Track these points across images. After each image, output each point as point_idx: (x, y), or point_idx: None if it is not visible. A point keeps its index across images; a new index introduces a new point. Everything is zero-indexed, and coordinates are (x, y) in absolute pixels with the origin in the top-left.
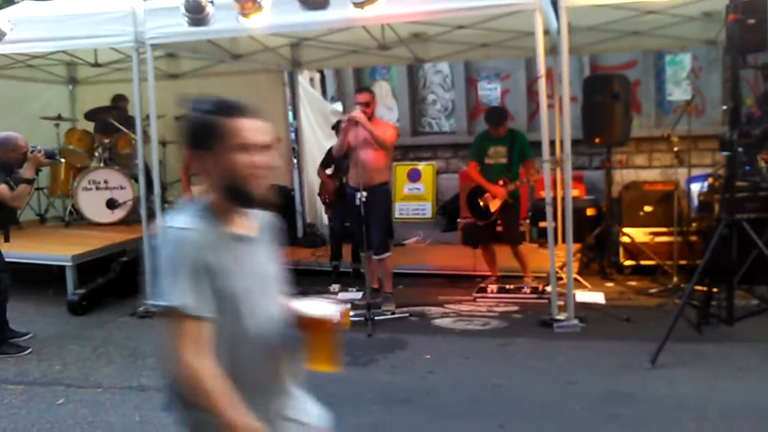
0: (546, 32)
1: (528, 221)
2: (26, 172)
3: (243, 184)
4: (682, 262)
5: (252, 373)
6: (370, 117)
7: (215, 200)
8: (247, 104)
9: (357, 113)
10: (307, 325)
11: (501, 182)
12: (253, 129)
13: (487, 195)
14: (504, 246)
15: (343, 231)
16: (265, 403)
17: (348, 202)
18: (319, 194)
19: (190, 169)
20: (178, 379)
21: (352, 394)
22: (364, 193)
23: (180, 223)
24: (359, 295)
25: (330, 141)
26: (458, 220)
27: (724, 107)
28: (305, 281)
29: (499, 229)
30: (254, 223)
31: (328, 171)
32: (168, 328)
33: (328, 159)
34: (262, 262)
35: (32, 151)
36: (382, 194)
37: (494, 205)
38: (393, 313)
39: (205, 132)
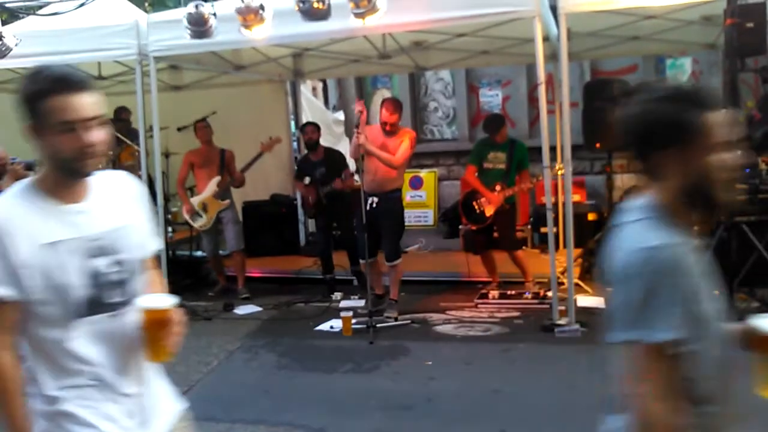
0: (546, 38)
1: (529, 227)
2: (5, 184)
3: (713, 187)
4: None
5: (726, 405)
6: (393, 131)
7: (671, 205)
8: (711, 93)
9: (362, 139)
10: (762, 344)
11: (498, 187)
12: (725, 123)
13: (482, 199)
14: (503, 252)
15: (329, 242)
16: None
17: (362, 208)
18: (302, 206)
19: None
20: (636, 425)
21: (355, 400)
22: (375, 199)
23: (656, 240)
24: (362, 302)
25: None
26: (460, 227)
27: (724, 110)
28: (308, 290)
29: (496, 235)
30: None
31: (306, 181)
32: (633, 364)
33: (301, 171)
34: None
35: (12, 163)
36: (393, 201)
37: (489, 210)
38: (396, 320)
39: (675, 128)
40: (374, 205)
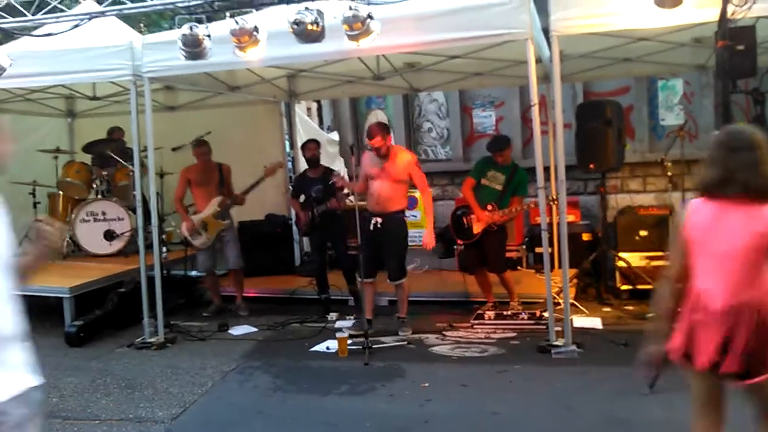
0: (538, 60)
1: (524, 247)
2: None
3: None
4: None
5: None
6: (387, 153)
7: None
8: None
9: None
10: None
11: (489, 207)
12: None
13: (472, 216)
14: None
15: (324, 262)
16: None
17: (364, 227)
18: (296, 224)
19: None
20: None
21: (350, 423)
22: (379, 219)
23: None
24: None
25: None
26: (455, 246)
27: (716, 132)
28: (303, 309)
29: None
30: None
31: (301, 199)
32: None
33: (298, 188)
34: None
35: None
36: (396, 221)
37: (477, 228)
38: (407, 341)
39: None
40: (378, 225)
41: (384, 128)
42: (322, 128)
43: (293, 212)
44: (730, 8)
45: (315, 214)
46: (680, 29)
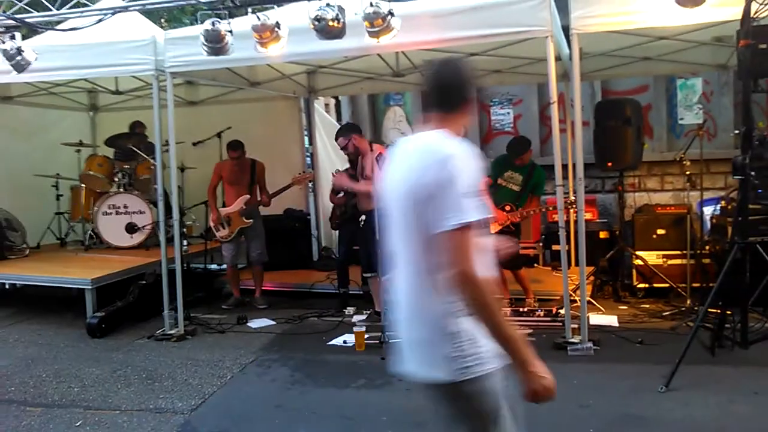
0: (558, 58)
1: (541, 244)
2: None
3: None
4: (696, 284)
5: None
6: (354, 152)
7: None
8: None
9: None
10: None
11: (507, 207)
12: None
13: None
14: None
15: (347, 256)
16: None
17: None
18: (330, 219)
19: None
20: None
21: (367, 416)
22: (363, 217)
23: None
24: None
25: (344, 166)
26: None
27: (736, 131)
28: (320, 304)
29: None
30: None
31: (340, 194)
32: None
33: None
34: None
35: None
36: (371, 220)
37: (493, 228)
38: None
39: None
40: (362, 223)
41: (343, 129)
42: (340, 124)
43: (312, 207)
44: (753, 6)
45: (347, 208)
46: (701, 28)
